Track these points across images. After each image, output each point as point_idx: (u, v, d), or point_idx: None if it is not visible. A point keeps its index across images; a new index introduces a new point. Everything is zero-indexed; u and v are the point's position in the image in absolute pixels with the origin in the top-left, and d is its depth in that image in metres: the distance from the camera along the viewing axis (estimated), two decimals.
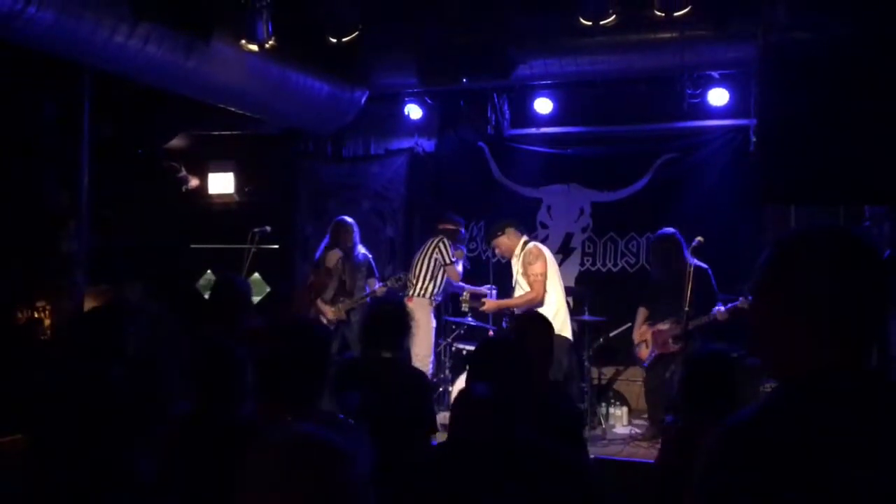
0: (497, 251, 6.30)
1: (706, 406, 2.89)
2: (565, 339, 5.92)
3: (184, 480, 2.51)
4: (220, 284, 4.74)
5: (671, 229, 6.11)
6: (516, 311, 6.18)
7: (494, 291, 6.82)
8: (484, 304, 6.33)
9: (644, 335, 6.23)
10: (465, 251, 6.86)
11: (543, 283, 5.94)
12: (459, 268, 6.70)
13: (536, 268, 5.94)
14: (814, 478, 1.20)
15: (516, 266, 6.17)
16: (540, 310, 5.54)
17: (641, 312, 6.35)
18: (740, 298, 5.67)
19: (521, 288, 6.09)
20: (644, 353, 6.22)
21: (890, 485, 1.19)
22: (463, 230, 6.94)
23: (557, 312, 5.84)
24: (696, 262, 5.71)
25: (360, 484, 1.33)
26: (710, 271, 5.91)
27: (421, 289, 6.61)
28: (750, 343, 1.46)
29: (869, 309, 1.33)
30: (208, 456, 2.50)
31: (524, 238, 6.19)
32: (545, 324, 3.58)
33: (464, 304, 6.48)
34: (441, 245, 6.63)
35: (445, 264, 6.60)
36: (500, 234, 6.16)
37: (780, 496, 1.21)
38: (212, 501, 2.35)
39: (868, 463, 1.21)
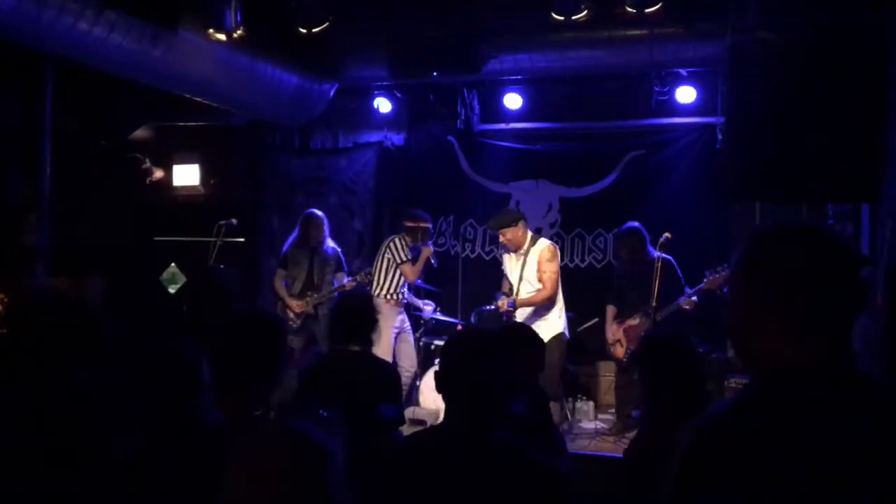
0: (502, 239, 6.10)
1: (665, 395, 2.89)
2: (563, 334, 6.11)
3: (151, 481, 2.46)
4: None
5: (635, 223, 6.16)
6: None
7: (430, 308, 6.88)
8: (504, 305, 6.13)
9: (616, 334, 6.26)
10: (432, 248, 6.70)
11: (557, 282, 6.01)
12: (417, 267, 6.50)
13: (554, 265, 6.00)
14: (785, 473, 1.21)
15: (519, 261, 6.08)
16: (550, 308, 5.95)
17: (610, 311, 6.37)
18: (703, 281, 5.73)
19: (530, 284, 6.03)
20: (620, 351, 6.24)
21: (862, 480, 1.21)
22: (430, 227, 6.77)
23: (562, 310, 6.08)
24: (660, 254, 5.76)
25: (340, 481, 1.32)
26: (674, 262, 5.98)
27: (378, 287, 6.52)
28: (729, 338, 1.47)
29: (843, 305, 1.34)
30: (174, 456, 2.45)
31: (531, 233, 6.17)
32: (534, 339, 3.69)
33: (500, 308, 6.24)
34: (392, 244, 6.54)
35: (399, 263, 6.49)
36: (513, 224, 6.05)
37: (751, 491, 1.21)
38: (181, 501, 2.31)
39: (840, 458, 1.22)
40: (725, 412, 1.31)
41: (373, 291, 6.47)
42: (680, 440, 1.32)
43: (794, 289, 1.33)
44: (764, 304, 1.35)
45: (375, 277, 6.55)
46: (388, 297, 6.50)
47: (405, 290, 6.62)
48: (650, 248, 5.94)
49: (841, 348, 1.34)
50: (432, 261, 6.67)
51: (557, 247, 6.26)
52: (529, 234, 6.14)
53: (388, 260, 6.52)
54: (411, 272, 6.52)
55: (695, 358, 3.04)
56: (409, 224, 6.64)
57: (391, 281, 6.53)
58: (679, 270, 6.00)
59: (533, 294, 6.03)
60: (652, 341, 3.27)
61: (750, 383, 1.38)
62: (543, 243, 6.10)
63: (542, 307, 6.00)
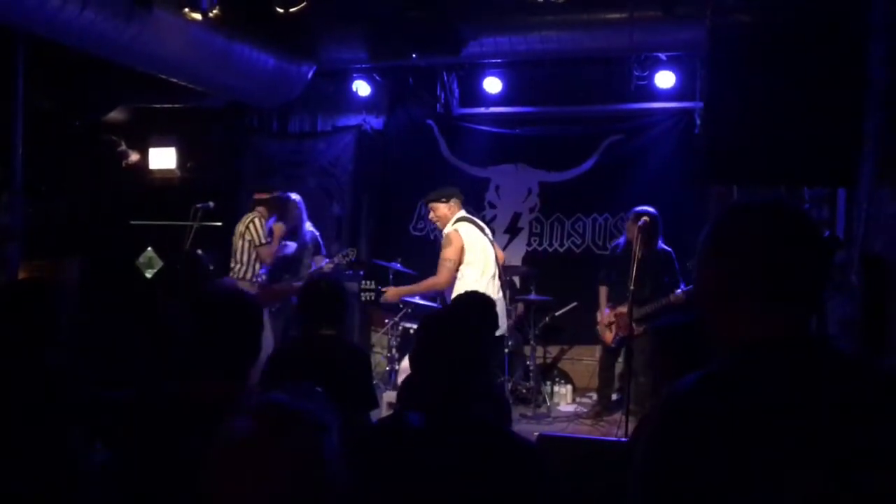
0: (430, 216, 5.79)
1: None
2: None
3: (135, 463, 2.43)
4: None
5: (654, 209, 6.01)
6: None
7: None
8: (385, 292, 6.02)
9: (609, 319, 6.23)
10: (284, 227, 6.40)
11: (451, 270, 5.50)
12: (274, 248, 6.31)
13: (447, 252, 5.50)
14: (752, 444, 1.21)
15: None
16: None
17: (603, 291, 6.30)
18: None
19: None
20: (609, 336, 6.23)
21: (829, 452, 1.20)
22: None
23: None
24: (663, 246, 5.77)
25: (335, 457, 1.30)
26: (674, 255, 5.97)
27: (236, 272, 6.37)
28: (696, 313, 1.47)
29: (808, 279, 1.35)
30: (160, 435, 2.41)
31: (459, 215, 5.65)
32: (483, 305, 3.63)
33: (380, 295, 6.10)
34: (251, 225, 6.37)
35: (257, 245, 6.33)
36: (443, 200, 5.67)
37: (717, 463, 1.21)
38: (167, 482, 2.27)
39: (807, 429, 1.22)
40: (694, 386, 1.31)
41: (234, 275, 6.32)
42: (651, 415, 1.31)
43: (758, 260, 1.33)
44: (730, 277, 1.36)
45: (236, 260, 6.36)
46: (252, 281, 6.35)
47: (263, 271, 6.44)
48: (660, 239, 5.93)
49: (809, 320, 1.35)
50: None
51: (465, 234, 5.52)
52: (457, 215, 5.64)
53: (250, 242, 6.34)
54: (267, 254, 6.31)
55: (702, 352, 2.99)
56: (265, 196, 6.45)
57: (252, 265, 6.37)
58: (677, 263, 5.98)
59: (422, 282, 5.82)
60: (672, 327, 3.21)
61: (718, 357, 1.38)
62: (451, 228, 5.58)
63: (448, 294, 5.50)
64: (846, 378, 1.29)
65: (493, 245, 5.65)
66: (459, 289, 5.44)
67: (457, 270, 5.50)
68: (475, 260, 5.50)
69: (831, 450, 1.20)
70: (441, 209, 5.67)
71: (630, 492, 1.32)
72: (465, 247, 5.48)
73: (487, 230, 5.74)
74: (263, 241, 6.33)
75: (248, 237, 6.36)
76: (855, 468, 1.19)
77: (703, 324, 1.44)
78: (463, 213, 5.69)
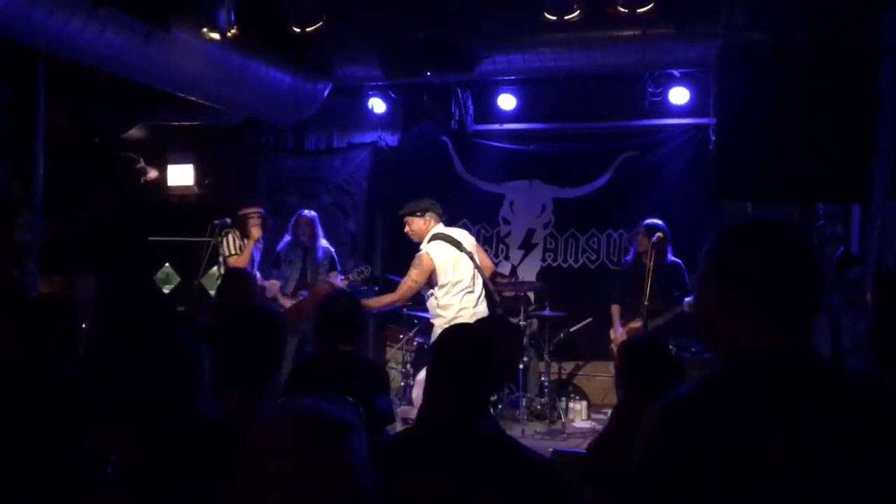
0: (406, 229, 5.58)
1: (642, 388, 2.96)
2: None
3: (150, 477, 2.46)
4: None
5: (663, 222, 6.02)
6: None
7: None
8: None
9: (622, 337, 6.20)
10: (262, 243, 6.52)
11: (412, 290, 5.44)
12: (245, 257, 6.29)
13: (413, 273, 5.36)
14: (744, 452, 1.23)
15: None
16: (441, 312, 5.31)
17: (615, 310, 6.28)
18: None
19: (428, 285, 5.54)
20: None
21: (819, 456, 1.23)
22: (257, 211, 6.52)
23: (454, 320, 5.13)
24: (673, 259, 5.77)
25: (362, 458, 1.33)
26: (683, 266, 5.96)
27: None
28: (695, 323, 1.51)
29: (804, 293, 1.39)
30: (176, 451, 2.44)
31: (435, 231, 5.46)
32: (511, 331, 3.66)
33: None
34: (224, 241, 6.38)
35: (225, 256, 6.36)
36: (418, 213, 5.49)
37: (711, 469, 1.23)
38: (182, 496, 2.30)
39: (798, 435, 1.24)
40: (691, 392, 1.35)
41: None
42: (647, 421, 1.34)
43: (756, 274, 1.38)
44: (730, 289, 1.41)
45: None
46: None
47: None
48: (670, 251, 5.93)
49: (807, 332, 1.39)
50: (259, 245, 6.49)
51: (437, 257, 5.33)
52: (433, 231, 5.46)
53: (223, 256, 6.41)
54: (237, 262, 6.29)
55: (669, 358, 3.10)
56: (243, 211, 6.49)
57: None
58: (687, 275, 5.97)
59: (383, 296, 5.83)
60: (634, 341, 3.32)
61: (715, 366, 1.42)
62: (424, 247, 5.40)
63: (434, 314, 5.46)
64: (841, 390, 1.32)
65: (474, 256, 5.46)
66: (432, 306, 5.45)
67: (420, 290, 5.46)
68: (447, 282, 5.36)
69: (822, 460, 1.22)
70: (416, 223, 5.51)
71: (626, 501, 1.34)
72: (437, 270, 5.33)
73: (467, 242, 5.50)
74: (233, 252, 6.36)
75: (221, 251, 6.40)
76: (845, 480, 1.21)
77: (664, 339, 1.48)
78: (440, 227, 5.50)
